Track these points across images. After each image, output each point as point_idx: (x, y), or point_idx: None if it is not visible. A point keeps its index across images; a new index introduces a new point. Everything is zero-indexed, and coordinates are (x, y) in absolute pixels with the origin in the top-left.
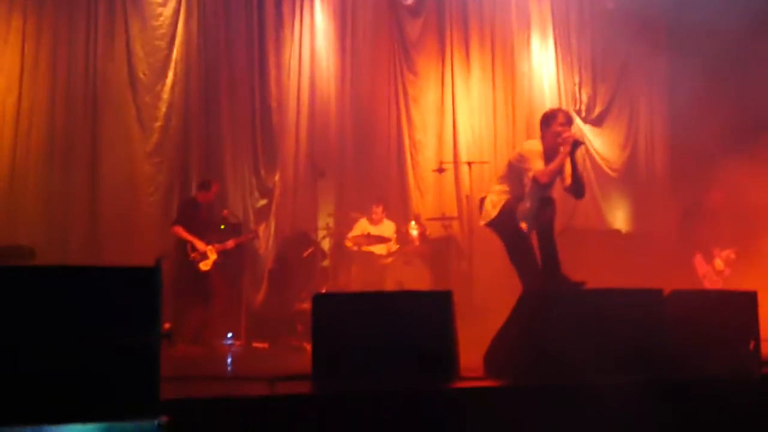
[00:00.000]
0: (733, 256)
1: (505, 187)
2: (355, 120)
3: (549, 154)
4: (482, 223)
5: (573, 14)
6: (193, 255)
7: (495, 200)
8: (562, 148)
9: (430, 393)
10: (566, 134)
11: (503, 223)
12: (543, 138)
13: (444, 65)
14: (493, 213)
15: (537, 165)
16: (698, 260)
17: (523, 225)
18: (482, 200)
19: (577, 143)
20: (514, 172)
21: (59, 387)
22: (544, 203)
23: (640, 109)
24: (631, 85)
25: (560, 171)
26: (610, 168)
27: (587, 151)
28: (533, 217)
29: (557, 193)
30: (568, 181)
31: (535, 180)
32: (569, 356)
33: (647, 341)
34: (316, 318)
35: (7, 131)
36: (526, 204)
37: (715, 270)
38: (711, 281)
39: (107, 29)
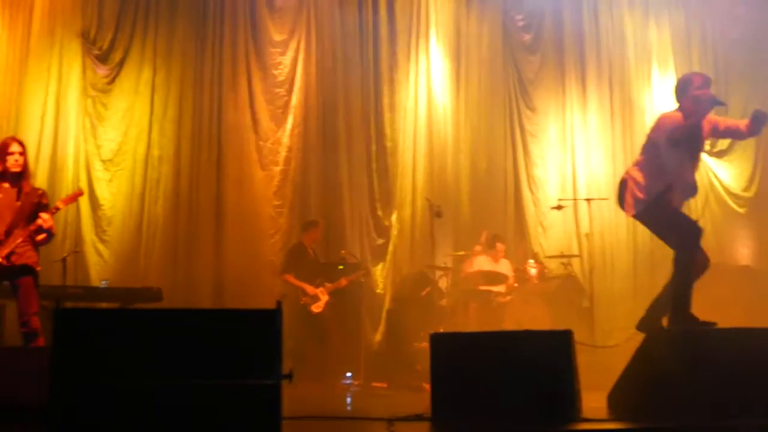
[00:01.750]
0: None
1: (647, 166)
2: (471, 158)
3: (690, 119)
4: (628, 212)
5: (695, 42)
6: (304, 300)
7: (642, 185)
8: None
9: None
10: (705, 96)
11: (653, 210)
12: (681, 107)
13: (564, 100)
14: (641, 195)
15: (678, 128)
16: None
17: (676, 201)
18: (623, 184)
19: (716, 101)
20: (654, 144)
21: (186, 426)
22: (696, 252)
23: None
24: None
25: (696, 131)
26: (737, 202)
27: (711, 185)
28: (692, 193)
29: None
30: (743, 126)
31: (672, 137)
32: (698, 398)
33: None
34: (434, 358)
35: (137, 179)
36: (679, 180)
37: None
38: None
39: (231, 79)
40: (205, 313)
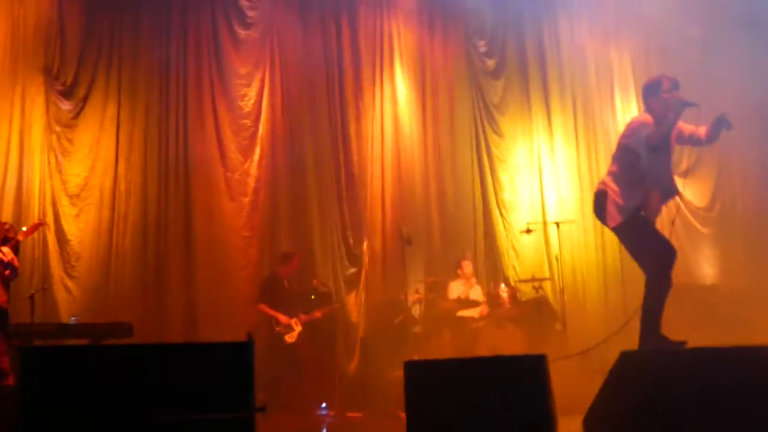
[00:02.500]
0: None
1: (620, 176)
2: (440, 184)
3: (658, 121)
4: (607, 224)
5: (654, 65)
6: (277, 329)
7: (618, 197)
8: (670, 114)
9: None
10: (674, 99)
11: (630, 223)
12: (648, 108)
13: (530, 124)
14: (622, 202)
15: (648, 132)
16: None
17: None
18: (600, 195)
19: (686, 103)
20: (626, 149)
21: None
22: (668, 273)
23: (732, 160)
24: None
25: (670, 133)
26: (701, 222)
27: (676, 204)
28: (670, 194)
29: None
30: (702, 133)
31: (647, 143)
32: (674, 419)
33: (755, 403)
34: (409, 386)
35: (105, 213)
36: (655, 189)
37: None
38: None
39: (196, 111)
40: (175, 347)
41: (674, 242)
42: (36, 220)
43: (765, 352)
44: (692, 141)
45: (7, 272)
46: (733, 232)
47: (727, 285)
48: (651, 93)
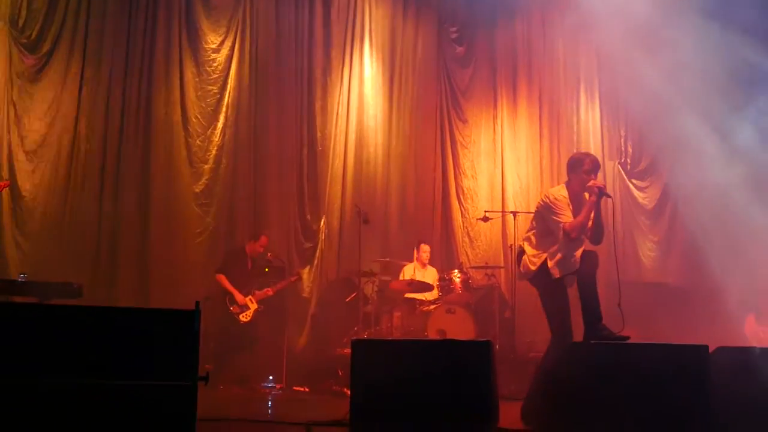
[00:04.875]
0: None
1: (536, 243)
2: (401, 167)
3: (576, 200)
4: (520, 278)
5: (620, 67)
6: (232, 308)
7: (532, 257)
8: (587, 196)
9: None
10: (591, 183)
11: (540, 278)
12: (569, 183)
13: (495, 113)
14: (533, 267)
15: (566, 215)
16: (749, 321)
17: (557, 274)
18: (520, 253)
19: (602, 193)
20: (543, 220)
21: (100, 426)
22: (586, 255)
23: (688, 161)
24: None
25: (587, 221)
26: (650, 222)
27: (634, 203)
28: (572, 269)
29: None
30: (588, 224)
31: (565, 232)
32: (607, 410)
33: (690, 397)
34: (355, 364)
35: (61, 170)
36: (561, 254)
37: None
38: (759, 341)
39: (162, 74)
40: (121, 311)
41: (625, 240)
42: (1, 181)
43: (702, 352)
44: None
45: None
46: (681, 234)
47: (672, 284)
48: (572, 169)
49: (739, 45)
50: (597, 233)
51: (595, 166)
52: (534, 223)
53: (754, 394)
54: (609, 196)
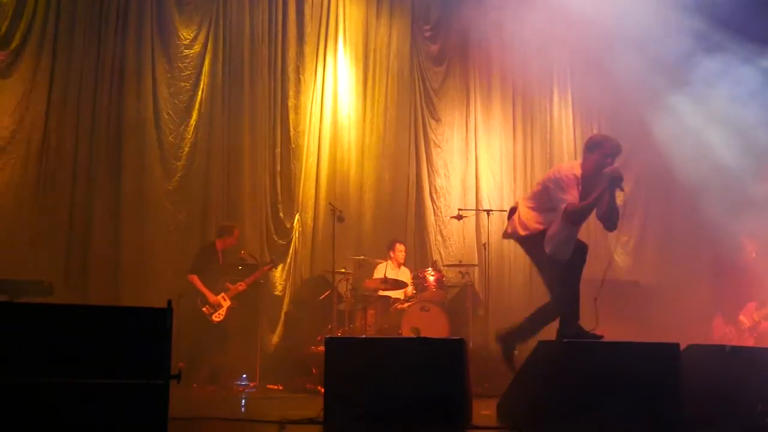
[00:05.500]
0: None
1: (534, 212)
2: (375, 165)
3: (587, 181)
4: (505, 236)
5: (593, 64)
6: (204, 309)
7: (525, 222)
8: (600, 182)
9: None
10: (607, 169)
11: (530, 244)
12: (584, 163)
13: (468, 112)
14: (522, 232)
15: (572, 194)
16: (717, 322)
17: (549, 252)
18: (512, 210)
19: (615, 182)
20: (548, 194)
21: (70, 425)
22: (579, 247)
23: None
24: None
25: (591, 209)
26: (624, 218)
27: None
28: (565, 256)
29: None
30: (603, 209)
31: (565, 212)
32: (581, 408)
33: (660, 396)
34: (328, 361)
35: (31, 168)
36: (563, 236)
37: (740, 328)
38: (727, 341)
39: (134, 69)
40: (92, 309)
41: (597, 237)
42: None
43: (673, 350)
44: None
45: None
46: (652, 233)
47: (646, 282)
48: (590, 149)
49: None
50: (610, 219)
51: (615, 150)
52: (537, 193)
53: (724, 391)
54: (622, 189)
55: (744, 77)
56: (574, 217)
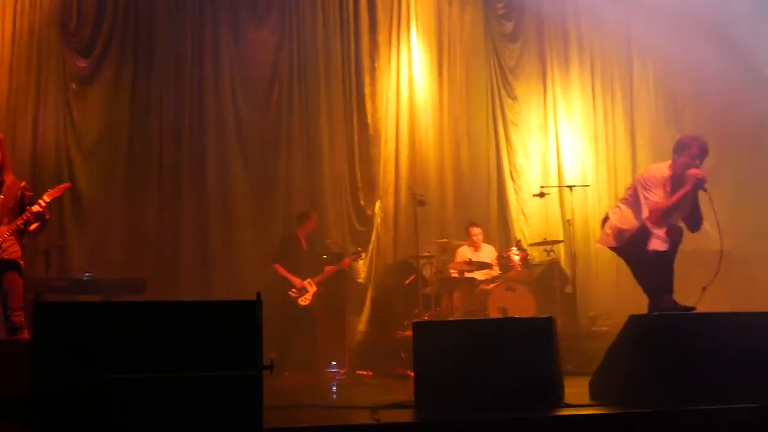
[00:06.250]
0: None
1: (626, 213)
2: (454, 147)
3: (676, 182)
4: (598, 245)
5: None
6: (292, 292)
7: (620, 226)
8: (685, 184)
9: (535, 421)
10: (691, 171)
11: (625, 251)
12: (673, 164)
13: (545, 89)
14: (614, 243)
15: (656, 194)
16: None
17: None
18: (605, 220)
19: (699, 185)
20: (636, 193)
21: (169, 418)
22: (672, 229)
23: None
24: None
25: (674, 210)
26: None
27: None
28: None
29: None
30: (687, 210)
31: (649, 214)
32: (675, 381)
33: (759, 365)
34: (417, 346)
35: (120, 170)
36: (643, 230)
37: None
38: None
39: (212, 68)
40: (185, 305)
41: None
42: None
43: (765, 318)
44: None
45: (36, 224)
46: (741, 196)
47: (736, 250)
48: (678, 150)
49: None
50: (693, 221)
51: (702, 151)
52: (627, 194)
53: None
54: (705, 190)
55: None
56: (654, 216)
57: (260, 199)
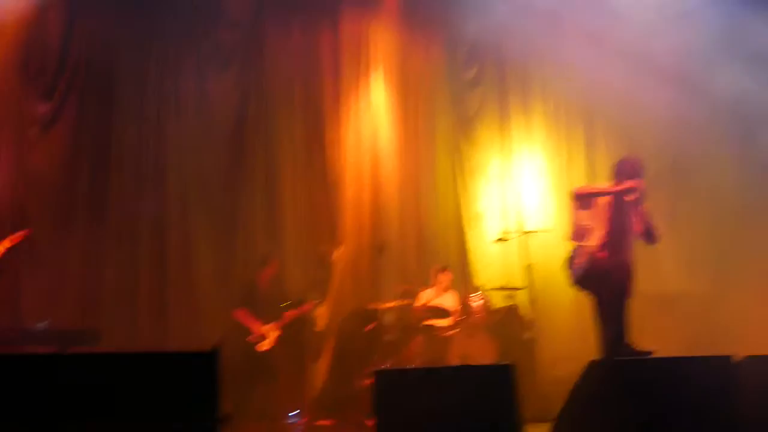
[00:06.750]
0: None
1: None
2: (415, 193)
3: (618, 204)
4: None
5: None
6: (251, 339)
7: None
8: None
9: None
10: (623, 185)
11: (591, 286)
12: (611, 186)
13: (505, 134)
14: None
15: (590, 217)
16: None
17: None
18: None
19: (632, 190)
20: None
21: None
22: (620, 266)
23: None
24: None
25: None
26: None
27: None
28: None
29: None
30: (639, 227)
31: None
32: (637, 427)
33: (717, 410)
34: (378, 395)
35: (79, 213)
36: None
37: None
38: None
39: (174, 110)
40: (140, 356)
41: (637, 250)
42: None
43: (723, 362)
44: None
45: None
46: (698, 238)
47: (696, 292)
48: (614, 175)
49: None
50: (647, 235)
51: (636, 170)
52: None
53: None
54: (633, 193)
55: None
56: (577, 238)
57: (221, 245)
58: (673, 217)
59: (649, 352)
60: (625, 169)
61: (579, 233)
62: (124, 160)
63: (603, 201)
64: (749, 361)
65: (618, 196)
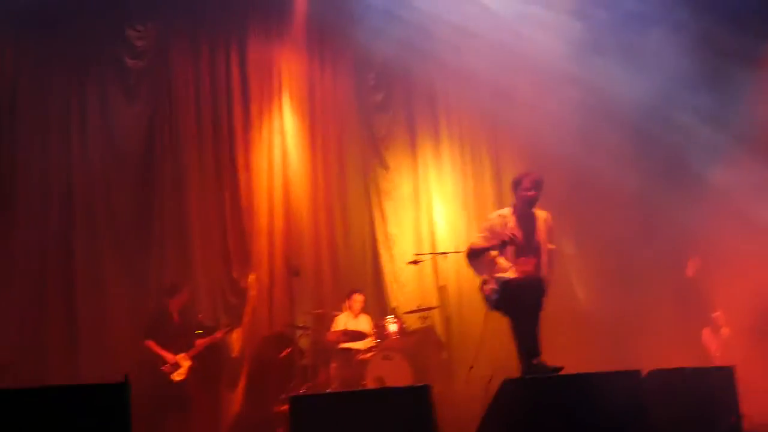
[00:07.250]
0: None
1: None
2: (328, 217)
3: (523, 219)
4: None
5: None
6: (164, 368)
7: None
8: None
9: None
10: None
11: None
12: (514, 204)
13: (416, 157)
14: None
15: (480, 236)
16: (706, 336)
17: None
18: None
19: (508, 242)
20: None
21: None
22: (532, 283)
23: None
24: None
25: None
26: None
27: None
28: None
29: None
30: (545, 271)
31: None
32: None
33: (627, 424)
34: (295, 420)
35: None
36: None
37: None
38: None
39: (79, 137)
40: (49, 390)
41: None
42: None
43: (634, 377)
44: None
45: None
46: (606, 258)
47: (604, 309)
48: (514, 188)
49: None
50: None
51: (534, 184)
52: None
53: (687, 415)
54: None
55: None
56: (473, 254)
57: (131, 273)
58: (579, 233)
59: (560, 368)
60: (524, 185)
61: (484, 267)
62: (30, 185)
63: (509, 224)
64: (656, 374)
65: (522, 215)
